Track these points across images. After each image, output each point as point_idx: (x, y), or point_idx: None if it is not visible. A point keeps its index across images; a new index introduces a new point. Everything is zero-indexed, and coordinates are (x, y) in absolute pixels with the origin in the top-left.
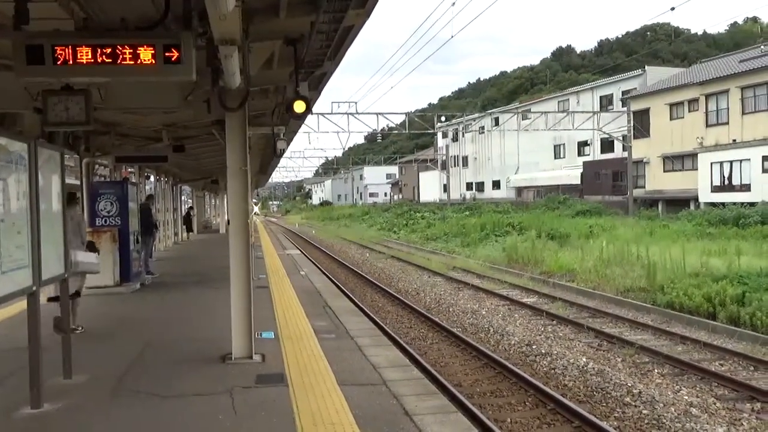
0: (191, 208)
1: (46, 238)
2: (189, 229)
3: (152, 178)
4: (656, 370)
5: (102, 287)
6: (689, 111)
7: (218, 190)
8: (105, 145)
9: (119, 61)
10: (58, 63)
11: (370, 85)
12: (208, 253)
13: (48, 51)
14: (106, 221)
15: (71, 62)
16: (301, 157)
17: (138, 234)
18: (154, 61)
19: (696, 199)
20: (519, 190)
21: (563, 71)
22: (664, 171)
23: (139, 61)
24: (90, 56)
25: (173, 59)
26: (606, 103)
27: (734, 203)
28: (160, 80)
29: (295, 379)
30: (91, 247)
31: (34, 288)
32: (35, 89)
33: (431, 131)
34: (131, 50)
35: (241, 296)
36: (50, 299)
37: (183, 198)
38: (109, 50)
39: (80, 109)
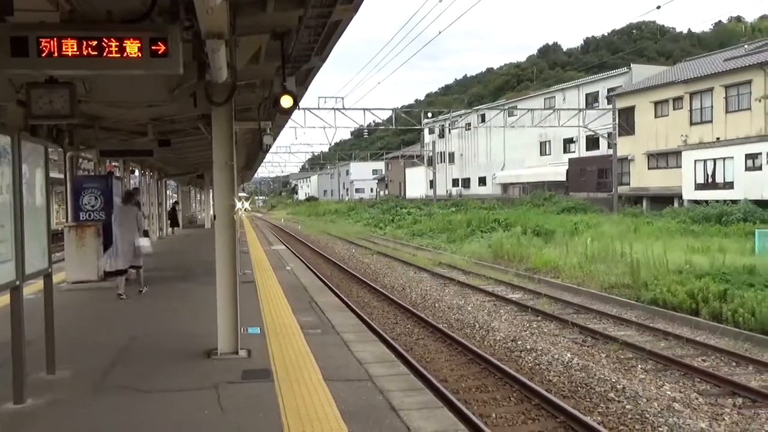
0: (176, 202)
1: (30, 232)
2: (174, 224)
3: (137, 173)
4: (640, 366)
5: (85, 282)
6: (674, 109)
7: (203, 185)
8: (89, 138)
9: (105, 54)
10: (43, 55)
11: (357, 80)
12: (194, 248)
13: (33, 43)
14: (90, 216)
15: (56, 55)
16: (287, 152)
17: None
18: (140, 55)
19: (680, 196)
20: (505, 187)
21: (549, 68)
22: (649, 168)
23: (125, 55)
24: (75, 49)
25: (160, 53)
26: (591, 100)
27: (717, 201)
28: (147, 74)
29: (281, 375)
30: (146, 234)
31: (18, 282)
32: (19, 81)
33: (418, 127)
34: (117, 43)
35: (227, 291)
36: (107, 273)
37: (168, 193)
38: (94, 43)
39: (65, 102)
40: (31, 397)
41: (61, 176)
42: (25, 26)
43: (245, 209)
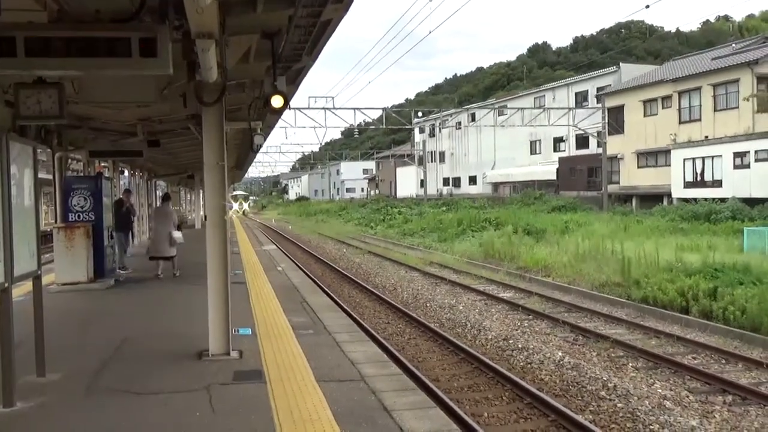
0: None
1: (19, 234)
2: None
3: (126, 173)
4: (630, 364)
5: (75, 283)
6: (663, 108)
7: (194, 185)
8: (78, 139)
9: (94, 55)
10: (31, 55)
11: (347, 80)
12: (184, 248)
13: (20, 43)
14: (79, 217)
15: (44, 55)
16: (277, 152)
17: (112, 229)
18: (129, 55)
19: (669, 194)
20: (495, 186)
21: (539, 68)
22: (638, 167)
23: (114, 55)
24: (64, 49)
25: (149, 53)
26: (581, 99)
27: (706, 199)
28: (136, 74)
29: (273, 376)
30: (179, 228)
31: (6, 285)
32: (6, 82)
33: (408, 127)
34: (106, 43)
35: (218, 292)
36: (151, 258)
37: (158, 193)
38: (83, 43)
39: (53, 102)
40: (20, 401)
41: (50, 177)
42: (13, 26)
43: (244, 211)
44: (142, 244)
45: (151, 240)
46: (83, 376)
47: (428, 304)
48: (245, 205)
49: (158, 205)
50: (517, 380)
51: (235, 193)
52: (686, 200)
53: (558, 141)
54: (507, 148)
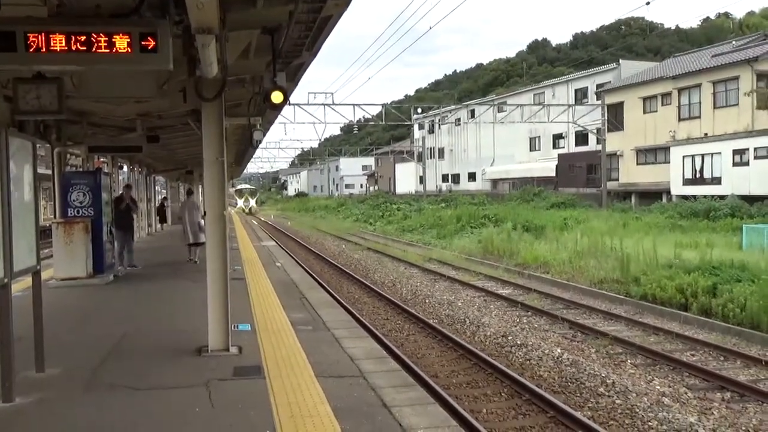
0: (165, 198)
1: (18, 229)
2: (163, 220)
3: (125, 169)
4: (629, 361)
5: (74, 279)
6: (662, 105)
7: (193, 181)
8: (77, 134)
9: (94, 50)
10: (31, 50)
11: (347, 76)
12: (184, 243)
13: (20, 38)
14: (78, 212)
15: (44, 50)
16: (276, 148)
17: (112, 225)
18: (129, 50)
19: (668, 191)
20: (494, 182)
21: (539, 64)
22: (638, 164)
23: (114, 50)
24: (64, 44)
25: (149, 48)
26: (581, 96)
27: (705, 196)
28: (136, 69)
29: (273, 372)
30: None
31: (6, 280)
32: (5, 76)
33: (407, 123)
34: (106, 38)
35: (218, 288)
36: (189, 245)
37: (157, 188)
38: (83, 38)
39: (52, 97)
40: (20, 396)
41: (49, 172)
42: (13, 20)
43: (251, 208)
44: (142, 240)
45: (186, 230)
46: (82, 372)
47: (427, 301)
48: (251, 202)
49: (185, 199)
50: (516, 377)
51: (239, 187)
52: (685, 197)
53: (557, 138)
54: (506, 145)
